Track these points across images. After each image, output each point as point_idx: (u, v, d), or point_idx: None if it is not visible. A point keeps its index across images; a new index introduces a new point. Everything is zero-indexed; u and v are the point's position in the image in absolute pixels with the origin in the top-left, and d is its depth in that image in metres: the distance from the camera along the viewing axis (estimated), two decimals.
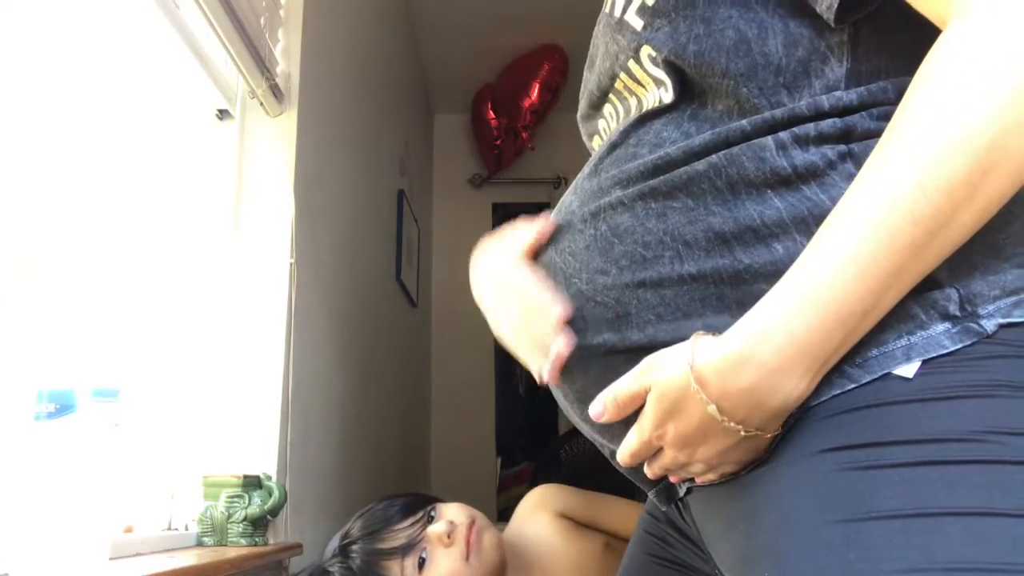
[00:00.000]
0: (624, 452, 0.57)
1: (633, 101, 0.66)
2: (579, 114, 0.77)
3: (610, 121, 0.71)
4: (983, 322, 0.48)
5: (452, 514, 1.26)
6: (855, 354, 0.49)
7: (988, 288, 0.49)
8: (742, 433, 0.50)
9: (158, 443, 1.13)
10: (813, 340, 0.47)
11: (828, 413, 0.49)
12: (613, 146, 0.65)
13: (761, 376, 0.48)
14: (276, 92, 1.32)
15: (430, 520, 1.25)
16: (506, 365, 3.65)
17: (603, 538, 1.39)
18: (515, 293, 0.66)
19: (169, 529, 1.12)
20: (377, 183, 2.21)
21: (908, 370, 0.48)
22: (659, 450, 0.56)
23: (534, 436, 3.56)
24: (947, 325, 0.48)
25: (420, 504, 1.28)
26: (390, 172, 2.44)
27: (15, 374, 0.90)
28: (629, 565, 0.82)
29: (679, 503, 0.68)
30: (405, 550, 1.20)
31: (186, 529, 1.13)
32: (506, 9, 2.89)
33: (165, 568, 0.82)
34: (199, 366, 1.21)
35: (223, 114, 1.32)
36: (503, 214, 3.68)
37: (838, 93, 0.54)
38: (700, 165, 0.55)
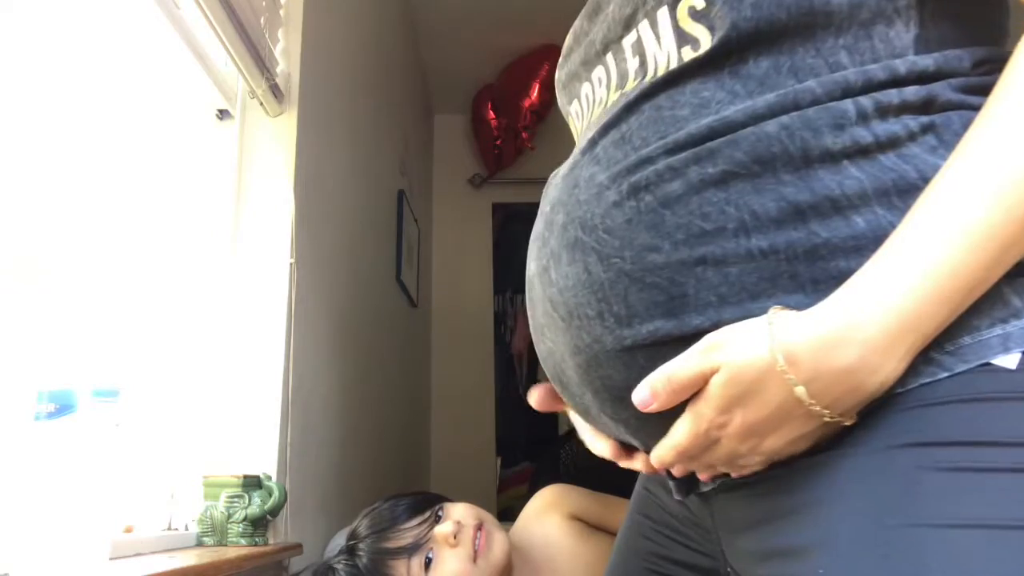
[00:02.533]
0: (668, 448, 0.51)
1: (634, 62, 0.60)
2: (564, 71, 0.70)
3: (597, 87, 0.65)
4: None
5: (459, 514, 1.26)
6: (944, 340, 0.45)
7: None
8: (826, 419, 0.45)
9: (158, 443, 1.13)
10: (921, 316, 0.43)
11: (913, 403, 0.45)
12: (630, 109, 0.57)
13: (863, 355, 0.43)
14: (276, 92, 1.32)
15: (437, 520, 1.24)
16: (506, 365, 3.65)
17: (613, 540, 1.38)
18: None
19: (169, 529, 1.12)
20: (377, 183, 2.21)
21: (1009, 361, 0.44)
22: (712, 444, 0.50)
23: (534, 436, 3.56)
24: None
25: (427, 503, 1.28)
26: (390, 172, 2.44)
27: (15, 374, 0.90)
28: (618, 567, 0.79)
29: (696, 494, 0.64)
30: (412, 550, 1.20)
31: (186, 529, 1.13)
32: (506, 9, 2.89)
33: (165, 568, 0.82)
34: (199, 366, 1.21)
35: (223, 114, 1.32)
36: (503, 214, 3.68)
37: (913, 58, 0.50)
38: (770, 127, 0.50)
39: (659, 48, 0.57)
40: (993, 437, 0.42)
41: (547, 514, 1.41)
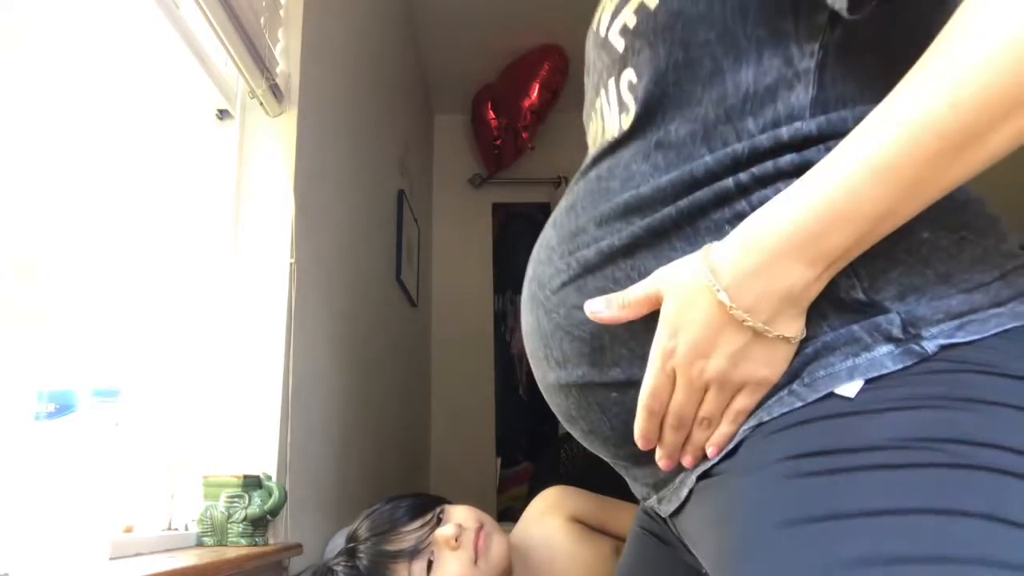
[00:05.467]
0: (644, 398, 0.56)
1: (599, 124, 0.68)
2: (585, 115, 0.78)
3: (595, 134, 0.72)
4: (925, 343, 0.49)
5: (460, 517, 1.26)
6: (804, 375, 0.52)
7: (932, 312, 0.51)
8: (748, 324, 0.50)
9: (158, 443, 1.13)
10: (818, 231, 0.48)
11: (780, 427, 0.52)
12: (583, 174, 0.67)
13: (765, 260, 0.49)
14: (276, 92, 1.32)
15: (438, 522, 1.24)
16: (506, 365, 3.65)
17: (613, 543, 1.38)
18: None
19: (169, 529, 1.12)
20: (377, 183, 2.21)
21: (849, 389, 0.50)
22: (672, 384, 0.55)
23: (534, 436, 3.55)
24: (890, 347, 0.50)
25: (428, 505, 1.28)
26: (390, 172, 2.44)
27: (15, 374, 0.90)
28: (628, 564, 0.82)
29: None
30: (413, 552, 1.20)
31: (186, 529, 1.13)
32: (506, 9, 2.89)
33: (165, 568, 0.82)
34: (199, 366, 1.21)
35: (223, 114, 1.32)
36: (503, 214, 3.68)
37: (798, 124, 0.54)
38: (670, 210, 0.57)
39: (611, 114, 0.65)
40: (838, 445, 0.49)
41: (548, 516, 1.41)
